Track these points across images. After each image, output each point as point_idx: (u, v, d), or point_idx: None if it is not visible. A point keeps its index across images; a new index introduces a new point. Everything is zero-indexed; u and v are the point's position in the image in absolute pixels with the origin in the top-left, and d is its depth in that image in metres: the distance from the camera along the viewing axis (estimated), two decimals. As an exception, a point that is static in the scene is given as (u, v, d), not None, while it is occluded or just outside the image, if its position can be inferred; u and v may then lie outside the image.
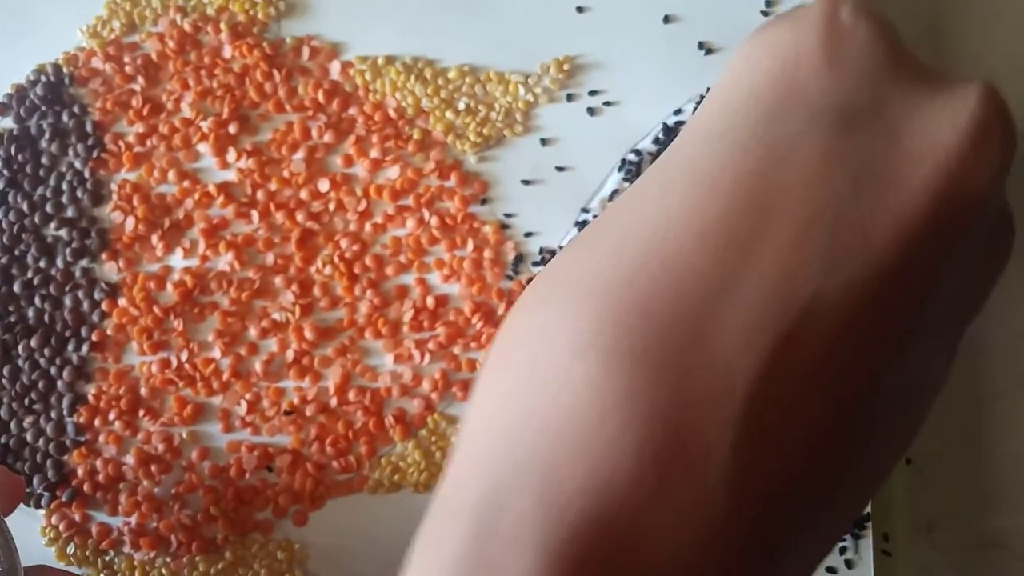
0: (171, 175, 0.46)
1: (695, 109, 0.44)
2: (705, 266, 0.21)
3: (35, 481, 0.45)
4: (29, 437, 0.45)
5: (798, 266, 0.20)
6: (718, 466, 0.20)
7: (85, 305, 0.46)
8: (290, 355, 0.45)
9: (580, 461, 0.20)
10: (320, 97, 0.46)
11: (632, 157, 0.44)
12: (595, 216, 0.44)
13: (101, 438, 0.45)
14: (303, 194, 0.46)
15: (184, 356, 0.45)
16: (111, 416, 0.45)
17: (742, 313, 0.20)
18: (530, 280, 0.44)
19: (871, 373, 0.21)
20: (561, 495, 0.20)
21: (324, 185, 0.45)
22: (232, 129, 0.46)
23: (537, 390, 0.21)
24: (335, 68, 0.46)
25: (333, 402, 0.44)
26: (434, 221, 0.45)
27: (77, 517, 0.45)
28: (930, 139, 0.21)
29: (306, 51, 0.47)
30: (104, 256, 0.46)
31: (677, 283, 0.21)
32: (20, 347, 0.46)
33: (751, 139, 0.21)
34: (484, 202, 0.45)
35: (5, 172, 0.47)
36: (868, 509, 0.42)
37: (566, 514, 0.20)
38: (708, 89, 0.44)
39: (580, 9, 0.45)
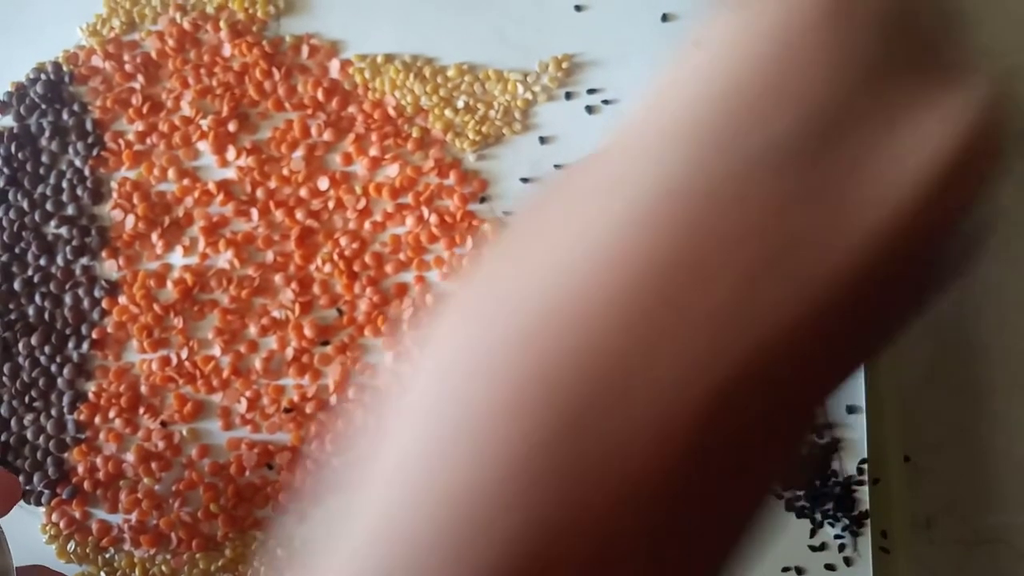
0: (171, 173, 0.46)
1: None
2: (636, 319, 0.18)
3: (35, 478, 0.45)
4: (29, 435, 0.46)
5: (739, 314, 0.18)
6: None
7: (85, 303, 0.46)
8: (290, 353, 0.45)
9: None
10: (319, 95, 0.46)
11: (631, 155, 0.44)
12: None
13: (101, 435, 0.45)
14: (303, 192, 0.46)
15: (184, 354, 0.45)
16: (111, 414, 0.45)
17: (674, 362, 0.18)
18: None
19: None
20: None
21: (323, 183, 0.46)
22: (232, 127, 0.46)
23: None
24: (334, 66, 0.46)
25: (333, 399, 0.45)
26: (433, 219, 0.45)
27: (77, 514, 0.45)
28: (913, 156, 0.18)
29: (305, 49, 0.47)
30: (104, 254, 0.46)
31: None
32: (20, 345, 0.46)
33: (707, 160, 0.18)
34: (483, 200, 0.45)
35: (5, 170, 0.47)
36: (867, 506, 0.42)
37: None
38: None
39: (579, 7, 0.45)
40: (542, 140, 0.45)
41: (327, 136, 0.46)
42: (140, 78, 0.47)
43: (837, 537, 0.42)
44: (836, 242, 0.18)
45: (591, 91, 0.45)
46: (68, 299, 0.46)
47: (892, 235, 0.18)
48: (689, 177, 0.18)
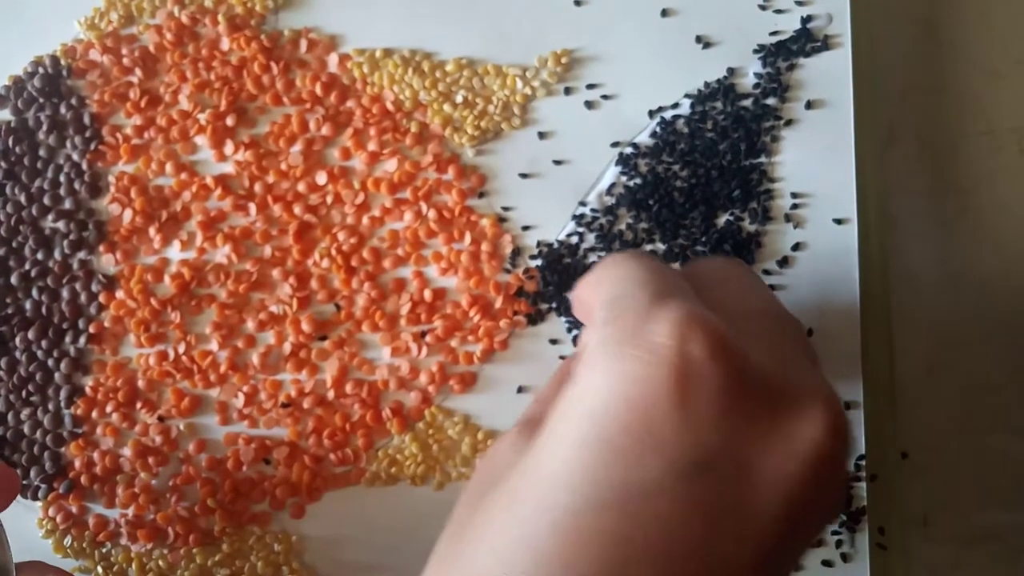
0: (168, 167, 0.46)
1: (692, 104, 0.44)
2: None
3: (32, 473, 0.45)
4: (26, 429, 0.46)
5: None
6: None
7: (83, 297, 0.46)
8: (287, 348, 0.45)
9: None
10: (318, 90, 0.46)
11: (630, 151, 0.44)
12: (593, 209, 0.44)
13: (98, 430, 0.45)
14: (301, 187, 0.46)
15: (181, 348, 0.45)
16: (108, 408, 0.45)
17: None
18: (527, 272, 0.44)
19: None
20: None
21: (322, 178, 0.45)
22: (230, 121, 0.46)
23: None
24: (333, 60, 0.46)
25: (330, 395, 0.45)
26: (432, 214, 0.45)
27: (74, 509, 0.45)
28: (776, 471, 0.24)
29: (304, 43, 0.47)
30: (102, 248, 0.46)
31: None
32: (18, 339, 0.46)
33: (609, 492, 0.24)
34: (482, 195, 0.45)
35: (3, 164, 0.47)
36: (864, 503, 0.42)
37: None
38: (701, 86, 0.44)
39: (578, 2, 0.45)
40: (541, 135, 0.45)
41: (325, 131, 0.46)
42: (138, 72, 0.47)
43: (834, 533, 0.42)
44: (735, 539, 0.24)
45: (590, 86, 0.45)
46: (65, 293, 0.46)
47: (779, 525, 0.24)
48: (610, 490, 0.24)
